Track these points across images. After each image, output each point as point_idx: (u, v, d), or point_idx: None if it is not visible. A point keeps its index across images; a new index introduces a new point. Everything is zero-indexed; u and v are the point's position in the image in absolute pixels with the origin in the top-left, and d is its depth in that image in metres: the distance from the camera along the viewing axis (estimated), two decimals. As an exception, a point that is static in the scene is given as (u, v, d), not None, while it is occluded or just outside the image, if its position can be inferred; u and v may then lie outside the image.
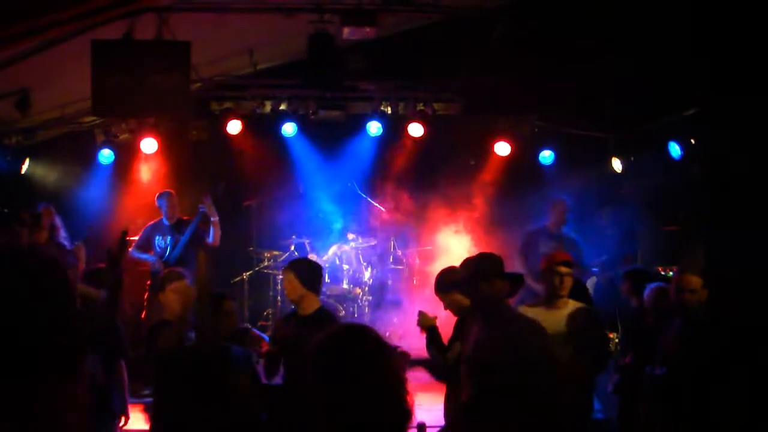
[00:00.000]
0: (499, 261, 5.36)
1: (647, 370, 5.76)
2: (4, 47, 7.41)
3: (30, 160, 10.80)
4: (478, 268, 5.25)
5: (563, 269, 5.92)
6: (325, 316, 6.18)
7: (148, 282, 9.80)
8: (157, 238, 9.75)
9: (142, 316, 9.58)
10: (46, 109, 10.15)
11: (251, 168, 11.43)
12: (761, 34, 7.98)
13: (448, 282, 5.86)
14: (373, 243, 11.31)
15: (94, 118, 10.69)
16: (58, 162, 11.17)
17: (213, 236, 9.61)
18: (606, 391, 6.85)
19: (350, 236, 11.18)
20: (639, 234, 10.63)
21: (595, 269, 10.06)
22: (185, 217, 9.85)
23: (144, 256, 9.75)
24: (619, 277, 7.46)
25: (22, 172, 10.72)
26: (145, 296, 9.65)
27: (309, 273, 6.26)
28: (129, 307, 9.92)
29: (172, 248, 9.60)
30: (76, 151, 11.17)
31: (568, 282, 5.94)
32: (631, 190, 11.13)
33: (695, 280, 5.67)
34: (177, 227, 9.74)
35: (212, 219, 9.60)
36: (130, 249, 9.86)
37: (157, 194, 9.94)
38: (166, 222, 9.80)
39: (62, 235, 8.53)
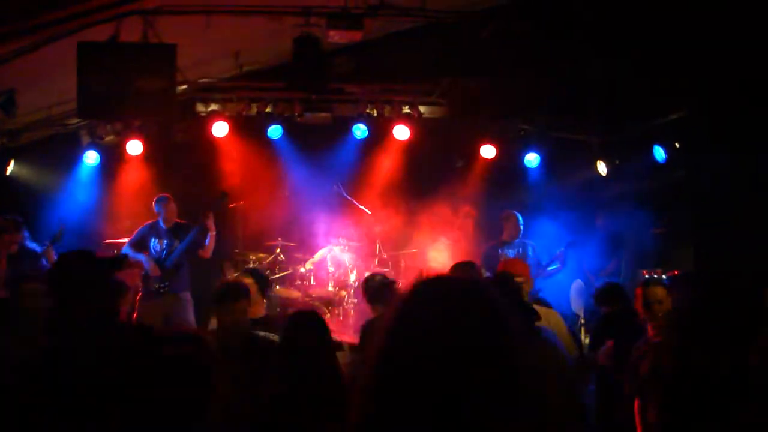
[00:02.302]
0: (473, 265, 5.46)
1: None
2: (-10, 49, 7.40)
3: (15, 162, 10.76)
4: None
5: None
6: (272, 320, 6.79)
7: (140, 283, 9.75)
8: (152, 240, 9.69)
9: (134, 317, 9.55)
10: (31, 110, 10.11)
11: (237, 170, 11.41)
12: (747, 41, 8.05)
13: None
14: (358, 246, 11.31)
15: (80, 119, 10.66)
16: (43, 164, 11.12)
17: (208, 248, 9.67)
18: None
19: (337, 239, 11.18)
20: (625, 237, 10.69)
21: (554, 267, 10.10)
22: (182, 221, 9.83)
23: (138, 256, 9.68)
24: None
25: (7, 173, 10.68)
26: (138, 297, 9.60)
27: (264, 281, 6.94)
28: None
29: (168, 253, 9.57)
30: (61, 152, 11.12)
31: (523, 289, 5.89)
32: (616, 193, 11.19)
33: (660, 291, 5.79)
34: (174, 231, 9.70)
35: (210, 233, 9.65)
36: (123, 246, 9.86)
37: (154, 199, 9.88)
38: (162, 225, 9.76)
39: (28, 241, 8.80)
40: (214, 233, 9.66)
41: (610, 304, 6.99)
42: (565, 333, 6.09)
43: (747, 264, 7.98)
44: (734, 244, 8.72)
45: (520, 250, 10.15)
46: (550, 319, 5.99)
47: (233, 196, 11.07)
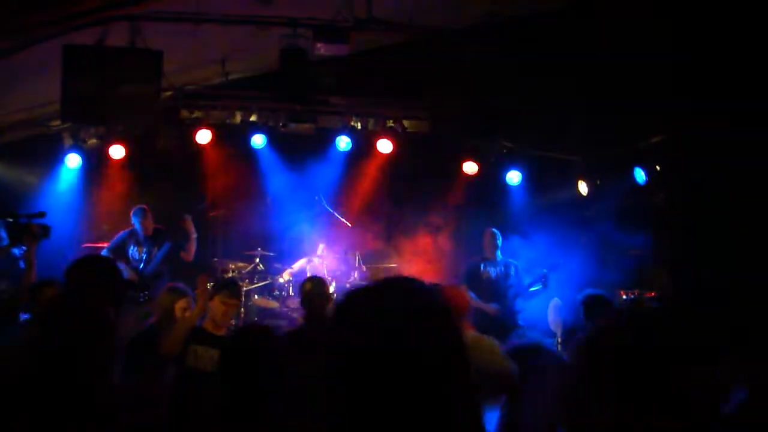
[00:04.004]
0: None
1: None
2: (-26, 49, 7.37)
3: (-5, 162, 10.69)
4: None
5: None
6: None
7: None
8: (131, 248, 9.65)
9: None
10: (13, 110, 10.06)
11: (219, 178, 11.38)
12: (728, 67, 8.13)
13: None
14: (338, 257, 11.26)
15: (63, 122, 10.60)
16: (23, 164, 11.03)
17: (189, 251, 9.69)
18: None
19: (317, 250, 11.13)
20: (604, 257, 10.71)
21: (536, 288, 10.08)
22: (160, 228, 9.79)
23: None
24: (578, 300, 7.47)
25: (-13, 173, 10.61)
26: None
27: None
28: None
29: (147, 261, 9.52)
30: (43, 154, 11.04)
31: None
32: (596, 213, 11.22)
33: None
34: (153, 238, 9.67)
35: (191, 236, 9.66)
36: (102, 251, 9.79)
37: (132, 210, 9.83)
38: (141, 233, 9.71)
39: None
40: (194, 236, 9.66)
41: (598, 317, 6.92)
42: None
43: (724, 286, 8.03)
44: (712, 267, 8.77)
45: (503, 269, 10.13)
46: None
47: (214, 204, 11.04)
